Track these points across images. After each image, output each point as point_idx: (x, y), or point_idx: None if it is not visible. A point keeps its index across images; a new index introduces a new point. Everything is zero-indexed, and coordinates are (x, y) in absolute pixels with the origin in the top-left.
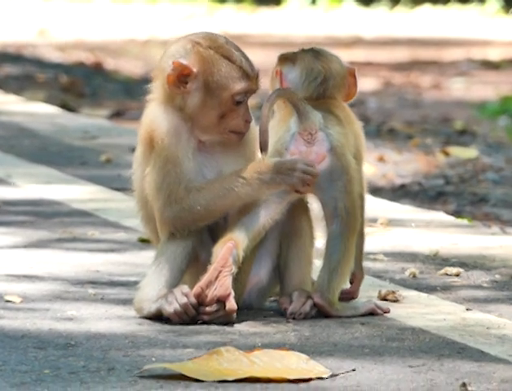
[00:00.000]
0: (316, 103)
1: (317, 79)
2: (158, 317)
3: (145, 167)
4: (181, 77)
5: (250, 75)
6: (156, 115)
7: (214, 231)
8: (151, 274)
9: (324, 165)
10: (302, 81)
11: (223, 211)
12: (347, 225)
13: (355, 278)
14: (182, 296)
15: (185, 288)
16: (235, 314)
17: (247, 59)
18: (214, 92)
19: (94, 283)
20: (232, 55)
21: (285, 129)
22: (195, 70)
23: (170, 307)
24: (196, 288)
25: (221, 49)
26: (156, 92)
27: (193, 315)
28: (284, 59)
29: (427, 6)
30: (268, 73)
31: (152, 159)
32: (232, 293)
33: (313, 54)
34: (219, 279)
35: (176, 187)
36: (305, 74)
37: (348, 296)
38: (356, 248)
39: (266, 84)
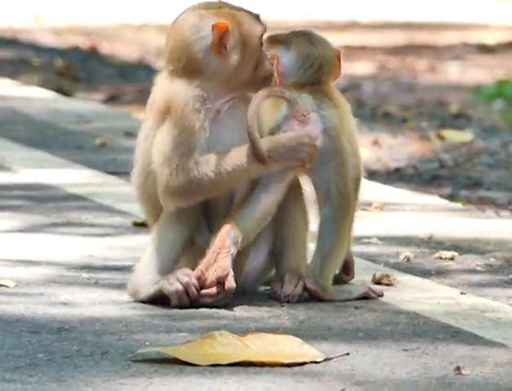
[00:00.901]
0: (310, 89)
1: (313, 66)
2: (155, 300)
3: (153, 138)
4: (220, 40)
5: (259, 17)
6: (177, 86)
7: (211, 218)
8: (147, 258)
9: (318, 146)
10: (297, 67)
11: (230, 186)
12: (340, 208)
13: (349, 262)
14: (184, 276)
15: (187, 270)
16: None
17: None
18: (248, 42)
19: (88, 267)
20: (239, 7)
21: (278, 112)
22: (230, 28)
23: (172, 287)
24: (196, 271)
25: (229, 4)
26: (176, 65)
27: (194, 296)
28: (277, 41)
29: None
30: None
31: (165, 128)
32: (231, 273)
33: (307, 38)
34: (218, 261)
35: (186, 158)
36: (301, 60)
37: (346, 278)
38: None
39: None
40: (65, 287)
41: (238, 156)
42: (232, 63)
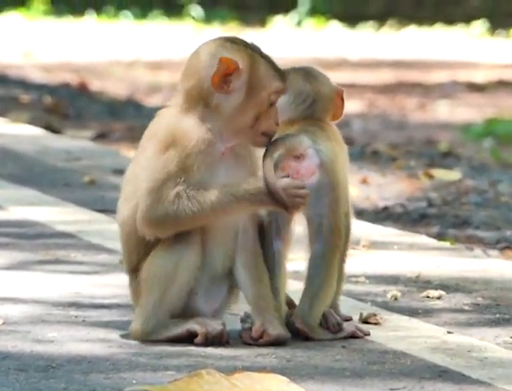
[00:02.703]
0: (305, 123)
1: (305, 102)
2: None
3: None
4: (226, 76)
5: (284, 74)
6: (189, 122)
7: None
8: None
9: (313, 180)
10: (289, 103)
11: (207, 223)
12: (330, 244)
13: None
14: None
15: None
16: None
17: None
18: (255, 90)
19: (75, 305)
20: (266, 55)
21: (273, 153)
22: (241, 67)
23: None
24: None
25: (257, 48)
26: (184, 95)
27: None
28: None
29: (413, 28)
30: None
31: (163, 159)
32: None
33: (303, 74)
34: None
35: (169, 191)
36: (293, 96)
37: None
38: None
39: None
40: (53, 325)
41: (219, 198)
42: (233, 102)
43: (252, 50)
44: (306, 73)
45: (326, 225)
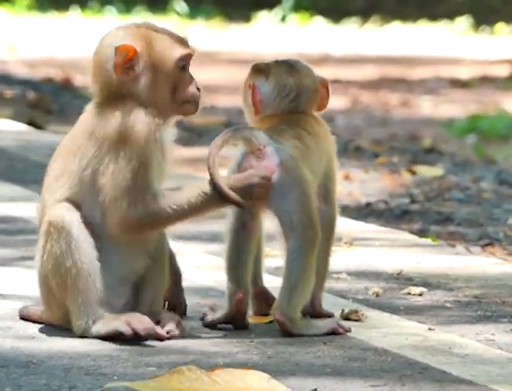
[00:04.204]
0: (285, 118)
1: (289, 95)
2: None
3: (99, 167)
4: (127, 62)
5: (183, 40)
6: (134, 115)
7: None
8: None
9: (274, 179)
10: (274, 97)
11: (184, 221)
12: (305, 239)
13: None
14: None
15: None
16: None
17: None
18: (159, 65)
19: None
20: (162, 28)
21: (238, 150)
22: (138, 49)
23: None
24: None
25: (150, 25)
26: (98, 93)
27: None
28: (257, 71)
29: (397, 24)
30: (240, 89)
31: (121, 160)
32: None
33: (287, 68)
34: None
35: (144, 191)
36: (277, 90)
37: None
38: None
39: (235, 100)
40: (33, 321)
41: (192, 195)
42: (144, 84)
43: (146, 29)
44: (289, 66)
45: (297, 220)
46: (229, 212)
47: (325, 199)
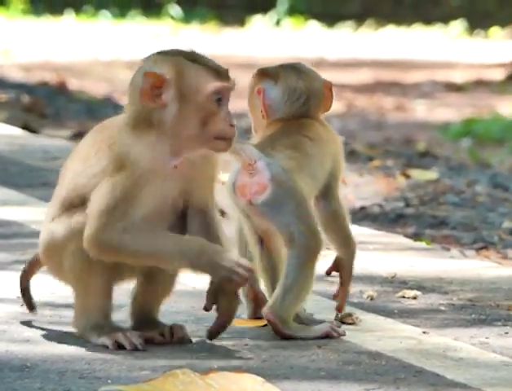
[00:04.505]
0: (289, 124)
1: (300, 99)
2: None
3: (100, 175)
4: (155, 89)
5: (221, 72)
6: (134, 141)
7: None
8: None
9: (267, 195)
10: (284, 101)
11: (147, 263)
12: (307, 249)
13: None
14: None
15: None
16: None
17: (214, 61)
18: (190, 96)
19: (51, 305)
20: (200, 58)
21: (232, 167)
22: (168, 77)
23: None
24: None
25: (189, 53)
26: (129, 113)
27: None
28: (265, 75)
29: (391, 28)
30: (238, 93)
31: (115, 180)
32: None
33: (295, 71)
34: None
35: (116, 220)
36: (287, 94)
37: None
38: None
39: (237, 103)
40: (28, 324)
41: (165, 245)
42: (171, 114)
43: (182, 58)
44: (298, 70)
45: (297, 232)
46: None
47: (324, 194)
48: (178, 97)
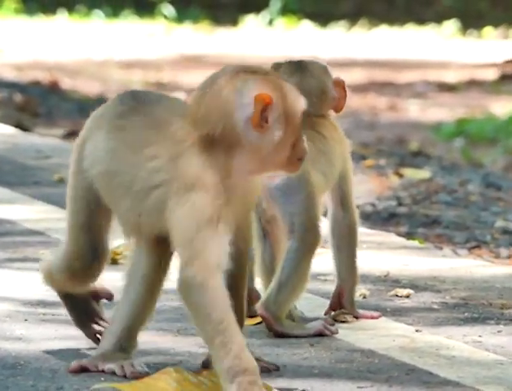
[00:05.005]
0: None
1: (309, 97)
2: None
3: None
4: (263, 113)
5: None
6: (203, 161)
7: None
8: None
9: (280, 180)
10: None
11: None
12: (304, 242)
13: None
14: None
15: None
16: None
17: None
18: (291, 119)
19: (44, 302)
20: (283, 76)
21: None
22: (274, 99)
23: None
24: None
25: (273, 73)
26: (212, 132)
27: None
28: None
29: (384, 28)
30: None
31: (190, 205)
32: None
33: (291, 68)
34: None
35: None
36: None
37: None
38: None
39: None
40: (21, 322)
41: (231, 335)
42: (272, 139)
43: (275, 77)
44: (295, 66)
45: (299, 223)
46: None
47: (342, 204)
48: (282, 120)
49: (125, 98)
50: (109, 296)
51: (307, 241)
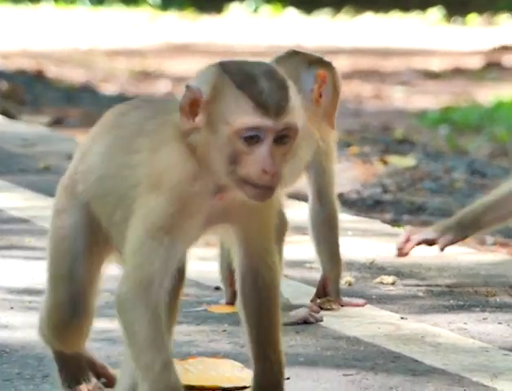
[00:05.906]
0: None
1: None
2: None
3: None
4: (193, 107)
5: (267, 108)
6: (172, 155)
7: None
8: None
9: None
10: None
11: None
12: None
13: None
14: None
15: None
16: None
17: (277, 92)
18: (217, 127)
19: (29, 290)
20: (251, 84)
21: None
22: (204, 97)
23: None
24: None
25: (241, 74)
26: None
27: None
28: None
29: (369, 15)
30: None
31: (149, 203)
32: None
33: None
34: None
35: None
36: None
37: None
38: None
39: None
40: (7, 310)
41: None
42: (201, 139)
43: (228, 77)
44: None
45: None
46: None
47: (319, 197)
48: (207, 122)
49: (118, 107)
50: (110, 381)
51: (280, 231)
